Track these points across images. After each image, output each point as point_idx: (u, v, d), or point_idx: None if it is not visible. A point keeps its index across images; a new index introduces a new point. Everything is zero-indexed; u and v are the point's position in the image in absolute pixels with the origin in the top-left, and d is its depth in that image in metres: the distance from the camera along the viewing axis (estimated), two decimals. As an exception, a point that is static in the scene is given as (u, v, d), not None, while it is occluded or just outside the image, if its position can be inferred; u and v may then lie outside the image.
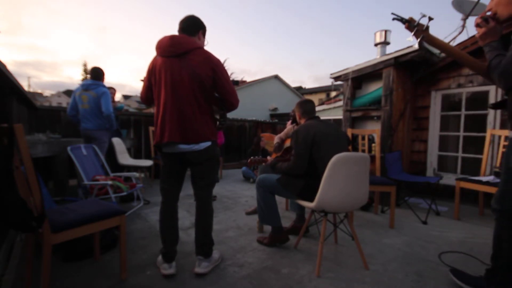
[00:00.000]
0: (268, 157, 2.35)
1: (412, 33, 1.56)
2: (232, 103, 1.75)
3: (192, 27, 1.73)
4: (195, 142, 1.66)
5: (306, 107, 2.15)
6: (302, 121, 2.14)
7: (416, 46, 1.62)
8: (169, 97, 1.64)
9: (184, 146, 1.66)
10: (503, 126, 3.17)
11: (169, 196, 1.79)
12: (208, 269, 1.74)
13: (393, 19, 1.60)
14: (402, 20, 1.59)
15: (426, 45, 1.61)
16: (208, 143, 1.71)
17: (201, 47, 1.69)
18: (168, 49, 1.64)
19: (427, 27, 1.55)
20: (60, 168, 3.04)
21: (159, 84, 1.67)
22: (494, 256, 1.48)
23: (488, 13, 1.41)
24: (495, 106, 1.60)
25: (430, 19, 1.53)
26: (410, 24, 1.56)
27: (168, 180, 1.79)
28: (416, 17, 1.57)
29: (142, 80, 2.22)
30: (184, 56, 1.63)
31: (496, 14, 1.35)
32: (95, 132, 3.25)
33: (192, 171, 1.80)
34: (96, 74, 3.31)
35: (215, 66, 1.66)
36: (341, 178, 1.72)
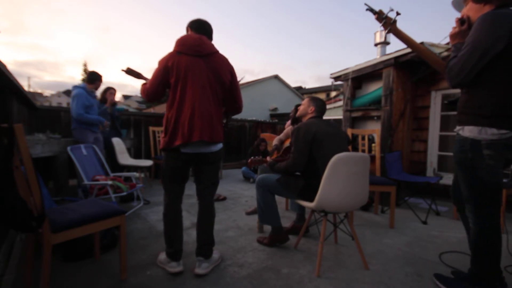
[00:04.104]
0: (268, 158, 2.34)
1: (381, 24, 1.68)
2: (241, 106, 1.92)
3: (210, 32, 1.82)
4: (216, 142, 1.73)
5: (321, 105, 2.14)
6: (308, 117, 2.12)
7: (383, 35, 1.77)
8: (197, 97, 1.65)
9: (208, 146, 1.71)
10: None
11: (176, 197, 1.78)
12: (208, 270, 1.75)
13: (366, 9, 1.73)
14: (372, 11, 1.71)
15: (396, 38, 1.74)
16: (221, 144, 1.81)
17: (218, 51, 1.77)
18: (196, 49, 1.67)
19: (395, 21, 1.67)
20: (60, 168, 3.04)
21: (185, 82, 1.64)
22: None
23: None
24: (451, 102, 1.76)
25: (398, 13, 1.66)
26: (379, 15, 1.68)
27: (175, 181, 1.77)
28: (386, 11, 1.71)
29: (123, 71, 1.99)
30: (208, 58, 1.69)
31: (469, 19, 1.43)
32: (74, 131, 3.24)
33: (201, 171, 1.79)
34: (88, 77, 3.36)
35: (232, 70, 1.79)
36: (341, 178, 1.72)
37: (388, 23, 1.67)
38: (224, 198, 3.57)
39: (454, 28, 1.48)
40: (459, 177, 1.50)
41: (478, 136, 1.34)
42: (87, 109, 3.21)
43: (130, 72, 2.00)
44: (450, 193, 1.73)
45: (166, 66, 1.65)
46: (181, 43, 1.68)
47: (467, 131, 1.39)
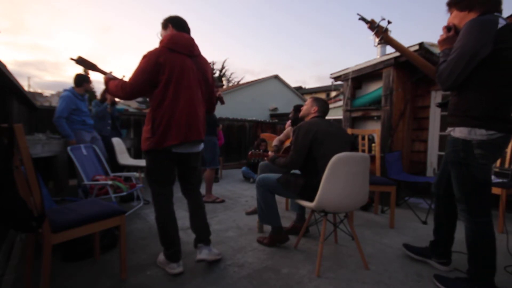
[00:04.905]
0: (270, 152, 2.35)
1: (373, 32, 1.74)
2: (215, 107, 2.03)
3: (190, 31, 1.81)
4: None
5: (324, 105, 2.15)
6: (310, 116, 2.13)
7: (375, 44, 1.80)
8: (192, 96, 1.68)
9: (197, 145, 1.79)
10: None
11: (167, 199, 1.77)
12: (213, 257, 1.79)
13: (359, 19, 1.77)
14: (365, 20, 1.75)
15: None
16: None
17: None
18: (189, 48, 1.69)
19: (386, 29, 1.72)
20: (60, 168, 3.04)
21: (179, 81, 1.62)
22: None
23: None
24: (441, 105, 1.90)
25: (389, 22, 1.71)
26: (371, 25, 1.74)
27: (165, 183, 1.75)
28: (379, 20, 1.77)
29: (72, 59, 1.72)
30: (196, 58, 1.73)
31: (455, 26, 1.53)
32: None
33: (191, 170, 1.84)
34: (74, 80, 3.33)
35: (212, 72, 1.85)
36: (341, 178, 1.72)
37: (380, 32, 1.72)
38: (223, 201, 3.51)
39: (442, 35, 1.57)
40: (453, 176, 1.55)
41: (469, 137, 1.42)
42: (73, 112, 3.18)
43: (82, 62, 1.72)
44: (432, 189, 1.81)
45: (157, 63, 1.57)
46: (174, 41, 1.64)
47: (458, 132, 1.46)
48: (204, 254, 1.76)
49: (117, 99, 4.04)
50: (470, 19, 1.39)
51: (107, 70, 1.80)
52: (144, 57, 1.60)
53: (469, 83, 1.42)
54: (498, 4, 1.42)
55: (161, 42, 1.66)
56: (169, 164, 1.71)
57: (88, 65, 1.74)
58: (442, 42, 1.56)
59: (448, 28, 1.55)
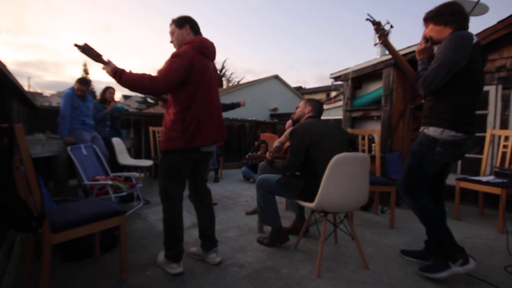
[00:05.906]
0: (268, 153, 2.34)
1: (378, 34, 1.86)
2: None
3: None
4: None
5: (318, 105, 2.17)
6: (305, 117, 2.13)
7: (375, 44, 1.90)
8: (215, 98, 1.79)
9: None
10: (503, 126, 3.16)
11: (181, 199, 1.77)
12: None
13: (367, 19, 1.87)
14: (373, 22, 1.86)
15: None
16: None
17: None
18: (213, 54, 1.81)
19: (388, 33, 1.86)
20: (60, 168, 3.04)
21: (209, 84, 1.73)
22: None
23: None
24: (416, 108, 2.15)
25: (392, 26, 1.86)
26: (378, 26, 1.85)
27: (184, 182, 1.78)
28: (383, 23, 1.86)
29: (76, 46, 1.55)
30: (213, 63, 1.83)
31: (432, 38, 1.70)
32: (69, 134, 3.24)
33: (205, 166, 1.93)
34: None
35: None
36: (341, 178, 1.72)
37: (383, 34, 1.84)
38: (214, 204, 3.41)
39: (420, 45, 1.73)
40: (407, 162, 1.79)
41: (439, 136, 1.62)
42: (72, 109, 3.23)
43: (87, 50, 1.56)
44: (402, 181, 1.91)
45: (191, 64, 1.59)
46: (206, 47, 1.73)
47: (432, 131, 1.65)
48: (218, 257, 1.88)
49: (116, 99, 4.05)
50: (451, 33, 1.57)
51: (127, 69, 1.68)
52: (177, 56, 1.60)
53: (444, 89, 1.60)
54: (467, 21, 1.65)
55: (190, 43, 1.66)
56: (190, 163, 1.73)
57: (93, 54, 1.58)
58: (420, 51, 1.73)
59: (426, 40, 1.71)
